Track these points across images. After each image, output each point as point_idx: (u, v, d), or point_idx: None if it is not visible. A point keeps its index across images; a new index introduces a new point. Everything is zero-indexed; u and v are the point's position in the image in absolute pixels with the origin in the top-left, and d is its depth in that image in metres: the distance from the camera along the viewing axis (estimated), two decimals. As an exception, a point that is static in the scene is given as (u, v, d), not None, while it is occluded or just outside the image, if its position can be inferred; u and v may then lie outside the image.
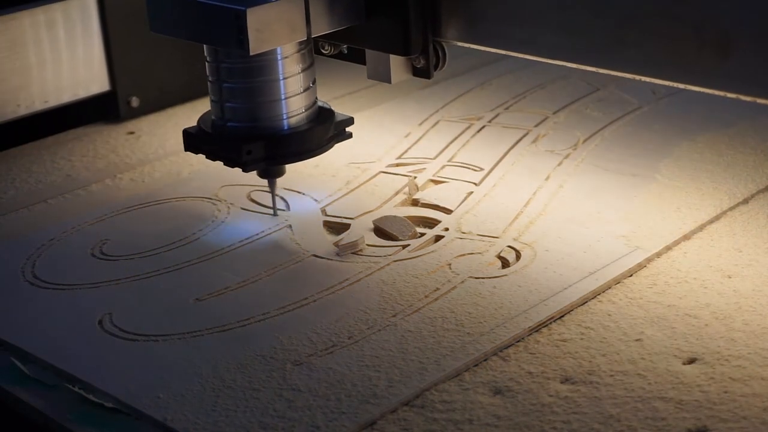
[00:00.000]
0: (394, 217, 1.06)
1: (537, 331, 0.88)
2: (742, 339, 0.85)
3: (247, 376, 0.84)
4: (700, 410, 0.78)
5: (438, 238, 1.03)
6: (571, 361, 0.84)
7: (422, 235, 1.03)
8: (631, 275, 0.95)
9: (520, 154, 1.18)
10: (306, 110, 1.02)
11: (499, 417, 0.79)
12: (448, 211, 1.07)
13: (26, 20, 1.29)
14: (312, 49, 1.02)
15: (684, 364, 0.83)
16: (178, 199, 1.13)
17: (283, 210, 1.09)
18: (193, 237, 1.05)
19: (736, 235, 1.00)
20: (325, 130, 1.02)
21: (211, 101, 1.02)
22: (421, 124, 1.28)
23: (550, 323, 0.89)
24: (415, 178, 1.14)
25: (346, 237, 1.03)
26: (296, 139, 1.01)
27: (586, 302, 0.91)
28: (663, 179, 1.10)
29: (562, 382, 0.82)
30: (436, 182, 1.14)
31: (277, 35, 0.94)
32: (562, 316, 0.90)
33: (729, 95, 0.83)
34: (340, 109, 1.30)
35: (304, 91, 1.01)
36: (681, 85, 0.85)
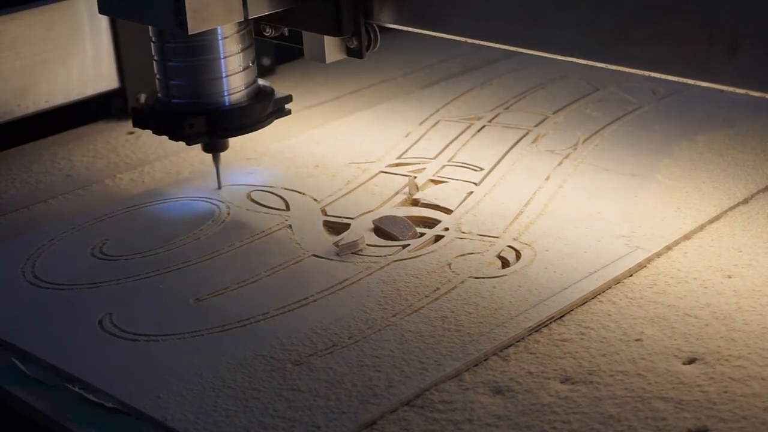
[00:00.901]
0: (394, 217, 1.06)
1: (537, 331, 0.88)
2: (742, 339, 0.85)
3: (247, 376, 0.84)
4: (700, 410, 0.78)
5: (438, 238, 1.03)
6: (571, 361, 0.84)
7: (422, 235, 1.03)
8: (631, 275, 0.95)
9: (520, 154, 1.18)
10: (246, 88, 1.08)
11: (499, 417, 0.79)
12: (448, 211, 1.07)
13: (35, 18, 1.30)
14: (252, 31, 1.08)
15: (684, 364, 0.83)
16: (178, 199, 1.13)
17: (285, 211, 1.10)
18: (193, 237, 1.05)
19: (736, 235, 1.00)
20: (263, 106, 1.09)
21: (157, 80, 1.08)
22: (421, 123, 1.28)
23: (550, 323, 0.89)
24: (415, 178, 1.14)
25: (346, 237, 1.03)
26: (236, 114, 1.07)
27: (586, 302, 0.91)
28: (663, 179, 1.10)
29: (562, 382, 0.82)
30: (436, 182, 1.14)
31: (214, 16, 0.99)
32: (562, 316, 0.90)
33: (738, 90, 0.83)
34: (341, 109, 1.31)
35: (244, 69, 1.07)
36: (690, 81, 0.85)
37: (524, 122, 1.26)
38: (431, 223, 1.05)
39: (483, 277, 0.95)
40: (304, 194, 1.12)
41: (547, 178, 1.12)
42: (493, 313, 0.90)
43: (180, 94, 1.07)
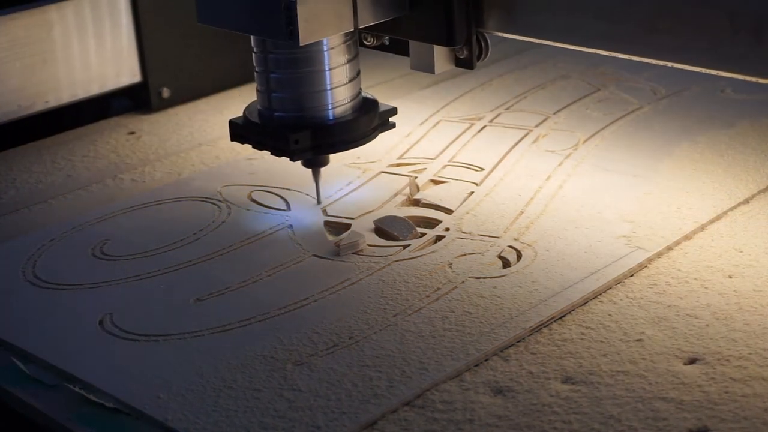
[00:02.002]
0: (395, 217, 1.06)
1: (537, 331, 0.88)
2: (743, 339, 0.85)
3: (247, 376, 0.84)
4: (700, 410, 0.78)
5: (438, 238, 1.03)
6: (572, 361, 0.84)
7: (423, 235, 1.03)
8: (631, 275, 0.95)
9: (521, 154, 1.18)
10: (351, 100, 1.03)
11: (499, 417, 0.78)
12: (448, 211, 1.07)
13: (54, 14, 1.30)
14: (357, 41, 1.03)
15: (685, 364, 0.83)
16: (178, 199, 1.13)
17: (285, 211, 1.10)
18: (193, 237, 1.05)
19: (737, 235, 1.00)
20: (369, 120, 1.04)
21: (258, 91, 1.04)
22: (421, 124, 1.28)
23: (551, 323, 0.89)
24: (416, 178, 1.14)
25: (346, 237, 1.03)
26: (342, 128, 1.02)
27: (587, 302, 0.91)
28: (663, 179, 1.10)
29: (562, 382, 0.82)
30: (437, 182, 1.13)
31: (325, 26, 0.96)
32: (563, 316, 0.90)
33: (761, 81, 0.83)
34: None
35: (350, 81, 1.03)
36: (714, 72, 0.86)
37: (524, 122, 1.26)
38: (432, 223, 1.05)
39: (483, 277, 0.95)
40: (304, 194, 1.12)
41: (548, 178, 1.12)
42: (493, 313, 0.90)
43: (283, 107, 1.02)
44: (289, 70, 1.01)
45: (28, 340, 0.90)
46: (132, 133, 1.33)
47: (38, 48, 1.30)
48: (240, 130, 1.04)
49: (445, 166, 1.16)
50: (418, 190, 1.12)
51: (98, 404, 0.82)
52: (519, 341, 0.87)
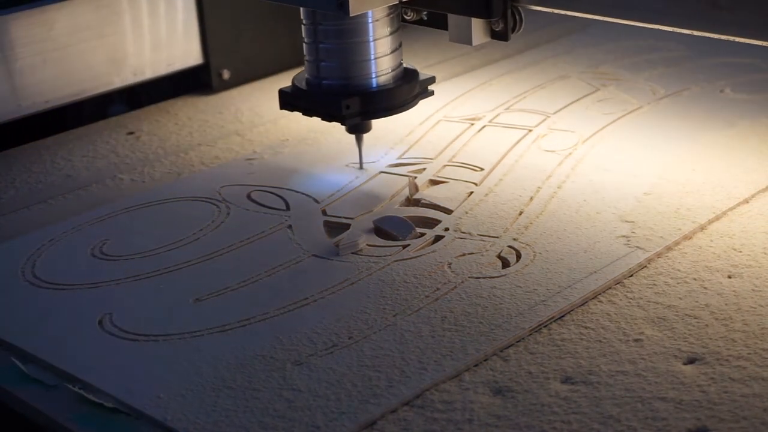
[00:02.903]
0: (395, 217, 1.06)
1: (537, 331, 0.88)
2: (742, 339, 0.85)
3: (247, 376, 0.84)
4: (700, 410, 0.78)
5: (438, 238, 1.03)
6: (571, 361, 0.84)
7: (422, 235, 1.03)
8: (631, 275, 0.95)
9: (521, 154, 1.18)
10: (393, 70, 1.10)
11: (499, 417, 0.79)
12: (448, 211, 1.07)
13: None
14: (399, 15, 1.11)
15: (684, 364, 0.83)
16: (178, 199, 1.13)
17: (284, 211, 1.10)
18: (193, 237, 1.05)
19: (736, 235, 1.00)
20: (411, 88, 1.11)
21: (307, 61, 1.10)
22: (421, 124, 1.28)
23: (550, 323, 0.89)
24: (416, 178, 1.14)
25: (346, 237, 1.03)
26: (386, 95, 1.09)
27: (586, 302, 0.91)
28: (662, 179, 1.10)
29: (562, 382, 0.82)
30: (437, 182, 1.14)
31: None
32: (562, 316, 0.90)
33: None
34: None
35: (392, 52, 1.10)
36: None
37: (524, 122, 1.26)
38: (431, 223, 1.05)
39: (483, 277, 0.95)
40: (304, 194, 1.12)
41: (547, 178, 1.12)
42: (492, 313, 0.90)
43: (331, 75, 1.09)
44: (337, 41, 1.08)
45: (28, 340, 0.90)
46: (131, 133, 1.33)
47: (109, 30, 1.35)
48: (289, 99, 1.11)
49: (445, 166, 1.16)
50: (418, 190, 1.12)
51: (98, 404, 0.82)
52: (518, 341, 0.87)
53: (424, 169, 1.16)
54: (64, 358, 0.88)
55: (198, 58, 1.42)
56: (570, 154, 1.18)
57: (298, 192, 1.13)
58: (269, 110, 1.37)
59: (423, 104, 1.33)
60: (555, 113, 1.28)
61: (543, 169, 1.14)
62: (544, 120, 1.26)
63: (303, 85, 1.11)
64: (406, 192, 1.11)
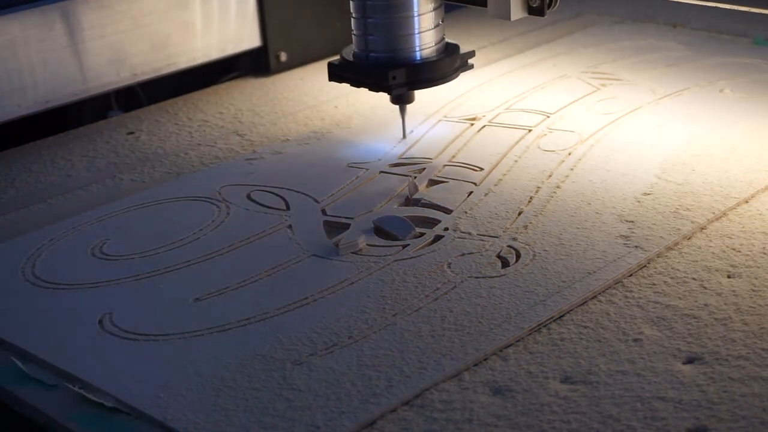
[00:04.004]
0: (395, 217, 1.06)
1: (536, 330, 0.88)
2: (741, 339, 0.85)
3: (247, 375, 0.84)
4: (699, 410, 0.78)
5: (438, 238, 1.03)
6: (571, 360, 0.84)
7: (422, 235, 1.03)
8: (630, 275, 0.95)
9: (521, 154, 1.18)
10: (436, 44, 1.17)
11: (498, 417, 0.79)
12: (448, 211, 1.07)
13: None
14: None
15: (683, 364, 0.83)
16: (178, 199, 1.13)
17: (284, 210, 1.10)
18: (193, 237, 1.05)
19: (736, 235, 1.00)
20: (452, 61, 1.18)
21: (355, 35, 1.18)
22: (421, 124, 1.28)
23: (550, 323, 0.89)
24: (415, 178, 1.14)
25: (346, 237, 1.03)
26: (430, 67, 1.17)
27: (586, 302, 0.92)
28: (662, 179, 1.11)
29: (561, 382, 0.82)
30: (437, 182, 1.14)
31: None
32: (562, 316, 0.90)
33: None
34: (343, 110, 1.30)
35: (435, 27, 1.17)
36: None
37: (524, 122, 1.26)
38: (431, 222, 1.06)
39: (482, 277, 0.95)
40: (304, 194, 1.12)
41: (548, 178, 1.12)
42: (492, 312, 0.90)
43: (378, 48, 1.16)
44: (384, 16, 1.15)
45: (28, 339, 0.90)
46: (131, 133, 1.33)
47: (173, 14, 1.41)
48: (337, 71, 1.19)
49: (445, 166, 1.17)
50: (418, 189, 1.12)
51: (98, 404, 0.82)
52: (518, 341, 0.87)
53: (424, 169, 1.16)
54: (64, 358, 0.88)
55: (256, 41, 1.48)
56: (570, 154, 1.18)
57: (298, 192, 1.13)
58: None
59: (423, 104, 1.34)
60: (555, 113, 1.28)
61: (543, 169, 1.14)
62: (544, 120, 1.26)
63: (351, 58, 1.17)
64: (406, 192, 1.11)
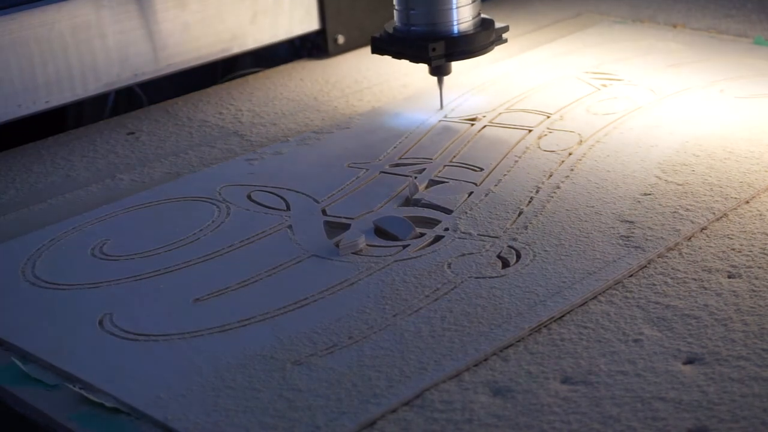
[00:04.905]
0: (395, 217, 1.06)
1: (536, 331, 0.88)
2: (741, 339, 0.85)
3: (247, 376, 0.84)
4: (699, 410, 0.78)
5: (438, 238, 1.03)
6: (571, 361, 0.84)
7: (422, 235, 1.03)
8: (630, 275, 0.95)
9: (521, 154, 1.18)
10: (473, 19, 1.26)
11: (498, 417, 0.79)
12: (448, 211, 1.07)
13: None
14: None
15: (683, 364, 0.83)
16: (178, 199, 1.13)
17: (285, 211, 1.10)
18: (193, 237, 1.05)
19: (736, 236, 1.00)
20: (488, 34, 1.27)
21: (397, 10, 1.26)
22: (421, 124, 1.28)
23: (550, 323, 0.89)
24: (416, 178, 1.14)
25: (346, 237, 1.03)
26: (468, 40, 1.25)
27: (586, 302, 0.92)
28: (662, 180, 1.11)
29: (561, 382, 0.82)
30: (437, 182, 1.14)
31: None
32: (562, 316, 0.90)
33: None
34: (343, 110, 1.30)
35: (472, 2, 1.25)
36: None
37: (524, 122, 1.26)
38: (431, 223, 1.06)
39: (482, 277, 0.95)
40: (304, 194, 1.12)
41: (548, 178, 1.12)
42: (492, 313, 0.90)
43: (418, 22, 1.24)
44: None
45: (28, 339, 0.90)
46: (131, 133, 1.33)
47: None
48: (380, 44, 1.27)
49: (445, 166, 1.17)
50: (418, 190, 1.12)
51: (98, 404, 0.82)
52: (518, 341, 0.87)
53: (425, 169, 1.16)
54: (64, 358, 0.88)
55: (315, 25, 1.55)
56: (570, 154, 1.18)
57: (298, 192, 1.13)
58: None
59: (423, 104, 1.34)
60: (555, 113, 1.28)
61: (543, 169, 1.14)
62: (544, 120, 1.26)
63: (393, 32, 1.25)
64: (406, 192, 1.11)
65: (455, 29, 1.24)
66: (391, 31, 1.26)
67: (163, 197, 1.14)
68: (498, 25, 1.28)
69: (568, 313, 0.90)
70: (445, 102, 1.32)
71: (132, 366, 0.86)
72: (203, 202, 1.12)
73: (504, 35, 1.28)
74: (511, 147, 1.20)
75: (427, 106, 1.32)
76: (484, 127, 1.26)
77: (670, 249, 0.99)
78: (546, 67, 1.43)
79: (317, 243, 1.03)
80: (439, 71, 1.27)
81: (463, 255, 0.99)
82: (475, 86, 1.38)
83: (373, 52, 1.27)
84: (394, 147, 1.22)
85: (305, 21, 1.54)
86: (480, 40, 1.26)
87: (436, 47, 1.22)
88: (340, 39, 1.55)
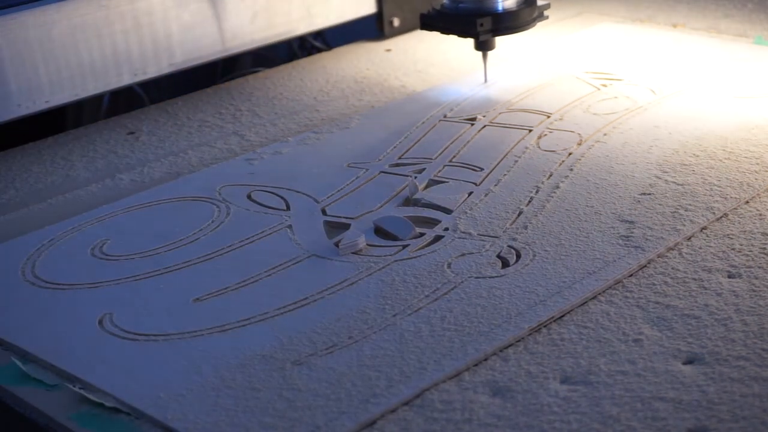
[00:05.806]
0: (394, 217, 1.06)
1: (536, 331, 0.88)
2: (741, 339, 0.85)
3: (247, 375, 0.84)
4: (699, 410, 0.78)
5: (438, 238, 1.03)
6: (571, 361, 0.84)
7: (422, 235, 1.03)
8: (630, 275, 0.95)
9: (520, 154, 1.18)
10: None
11: (498, 417, 0.79)
12: (448, 211, 1.07)
13: None
14: None
15: (683, 364, 0.83)
16: (178, 199, 1.13)
17: (285, 210, 1.10)
18: (193, 237, 1.05)
19: (735, 235, 1.00)
20: (531, 11, 1.35)
21: None
22: (421, 124, 1.28)
23: (550, 323, 0.89)
24: (416, 178, 1.14)
25: (346, 237, 1.03)
26: (512, 16, 1.33)
27: (586, 302, 0.92)
28: (661, 179, 1.10)
29: (561, 382, 0.82)
30: (437, 182, 1.14)
31: None
32: (562, 316, 0.90)
33: None
34: (343, 110, 1.30)
35: None
36: None
37: (524, 122, 1.26)
38: (431, 223, 1.06)
39: (482, 277, 0.95)
40: (304, 194, 1.12)
41: (547, 178, 1.12)
42: (492, 313, 0.90)
43: None
44: None
45: (28, 340, 0.90)
46: (131, 133, 1.33)
47: None
48: (429, 20, 1.35)
49: (445, 166, 1.17)
50: (418, 189, 1.12)
51: (98, 404, 0.83)
52: (518, 341, 0.87)
53: (424, 169, 1.16)
54: (64, 358, 0.88)
55: (372, 8, 1.61)
56: (570, 154, 1.18)
57: (298, 192, 1.13)
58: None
59: (423, 104, 1.34)
60: (555, 113, 1.28)
61: (543, 169, 1.14)
62: (544, 120, 1.26)
63: (441, 9, 1.33)
64: (406, 192, 1.11)
65: (500, 6, 1.32)
66: (439, 8, 1.34)
67: (162, 197, 1.14)
68: (540, 2, 1.35)
69: (568, 313, 0.90)
70: (445, 102, 1.32)
71: (132, 366, 0.86)
72: (203, 202, 1.12)
73: (545, 12, 1.35)
74: (510, 147, 1.20)
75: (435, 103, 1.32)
76: (484, 127, 1.26)
77: (670, 249, 0.98)
78: (546, 67, 1.43)
79: (317, 243, 1.03)
80: (485, 46, 1.34)
81: (463, 255, 0.99)
82: (476, 86, 1.38)
83: (422, 28, 1.35)
84: (394, 147, 1.22)
85: (363, 4, 1.60)
86: (524, 16, 1.33)
87: (484, 23, 1.30)
88: (396, 21, 1.60)
